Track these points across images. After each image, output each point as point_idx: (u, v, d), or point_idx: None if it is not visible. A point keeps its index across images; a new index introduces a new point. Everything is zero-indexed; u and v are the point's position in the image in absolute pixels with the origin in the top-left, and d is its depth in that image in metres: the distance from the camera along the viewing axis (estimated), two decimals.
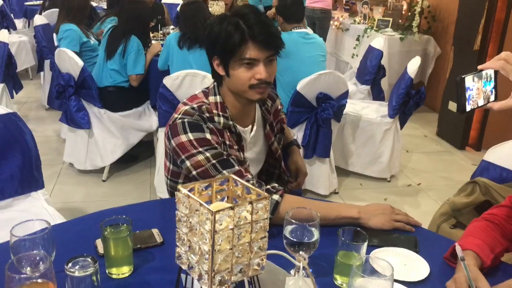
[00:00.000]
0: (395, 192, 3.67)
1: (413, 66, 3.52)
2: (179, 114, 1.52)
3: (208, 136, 1.49)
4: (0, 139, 2.10)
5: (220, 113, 1.55)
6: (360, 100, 4.19)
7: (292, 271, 1.08)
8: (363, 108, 3.86)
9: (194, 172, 1.49)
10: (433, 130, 4.87)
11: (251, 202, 0.71)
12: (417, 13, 5.28)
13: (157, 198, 3.29)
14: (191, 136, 1.47)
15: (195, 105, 1.53)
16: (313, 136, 3.25)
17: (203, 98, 1.58)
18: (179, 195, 0.74)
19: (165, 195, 3.25)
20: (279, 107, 1.83)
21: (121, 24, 3.53)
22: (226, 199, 0.82)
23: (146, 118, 3.70)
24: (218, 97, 1.57)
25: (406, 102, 3.62)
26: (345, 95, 3.27)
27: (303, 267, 0.87)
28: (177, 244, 0.80)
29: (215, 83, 1.60)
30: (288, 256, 0.89)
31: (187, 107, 1.53)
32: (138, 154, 3.92)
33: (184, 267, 0.80)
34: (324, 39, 6.24)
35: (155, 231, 1.39)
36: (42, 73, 4.82)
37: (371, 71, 4.31)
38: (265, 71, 1.47)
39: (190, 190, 0.73)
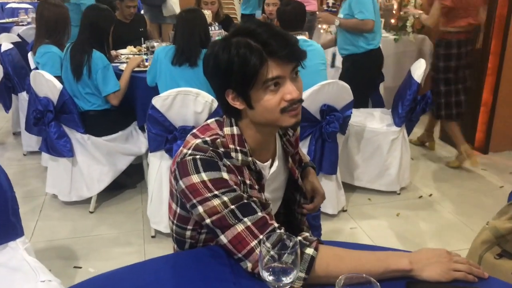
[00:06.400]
0: (406, 205, 3.42)
1: (419, 70, 3.30)
2: (188, 149, 1.24)
3: (225, 175, 1.21)
4: None
5: (238, 148, 1.28)
6: (361, 109, 3.95)
7: None
8: (366, 117, 3.62)
9: (208, 220, 1.21)
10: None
11: None
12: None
13: (151, 229, 2.99)
14: (204, 176, 1.20)
15: (207, 138, 1.25)
16: (319, 152, 3.00)
17: (217, 129, 1.30)
18: None
19: (159, 226, 2.97)
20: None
21: (78, 37, 3.14)
22: None
23: (134, 141, 3.40)
24: (235, 128, 1.29)
25: (413, 109, 3.40)
26: (350, 105, 3.02)
27: None
28: None
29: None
30: None
31: (198, 141, 1.25)
32: (127, 180, 3.62)
33: None
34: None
35: None
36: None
37: None
38: (294, 88, 1.22)
39: None
